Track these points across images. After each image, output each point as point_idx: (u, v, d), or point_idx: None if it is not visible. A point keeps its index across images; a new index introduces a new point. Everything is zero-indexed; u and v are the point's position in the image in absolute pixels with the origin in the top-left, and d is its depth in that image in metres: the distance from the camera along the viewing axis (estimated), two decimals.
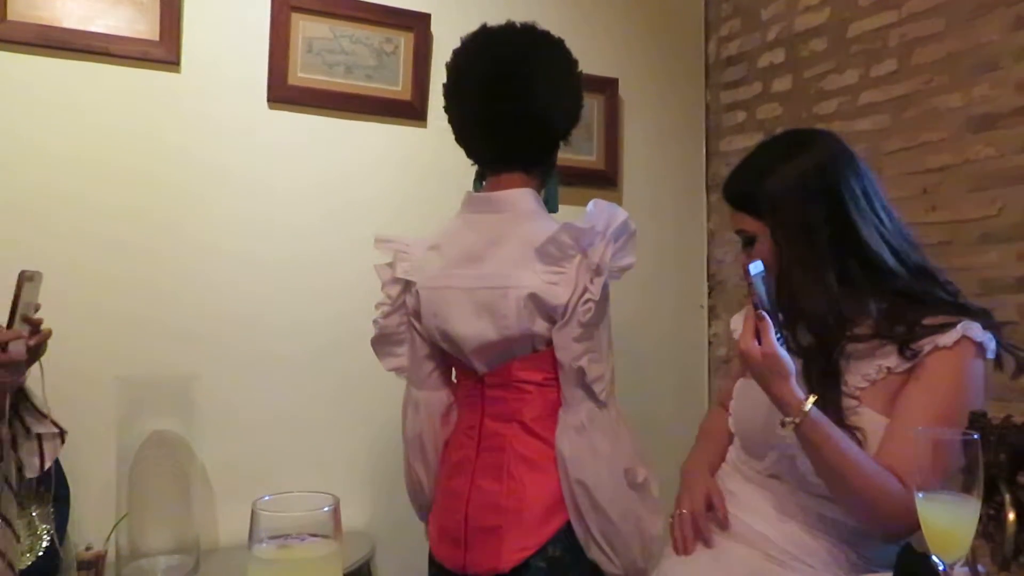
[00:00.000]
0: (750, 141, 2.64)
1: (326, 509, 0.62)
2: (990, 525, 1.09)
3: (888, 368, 1.23)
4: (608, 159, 2.64)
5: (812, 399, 1.16)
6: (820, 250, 1.25)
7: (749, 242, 1.34)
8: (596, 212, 1.32)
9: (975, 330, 1.20)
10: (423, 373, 1.49)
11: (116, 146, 2.00)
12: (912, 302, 1.25)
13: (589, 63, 2.55)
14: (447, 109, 1.46)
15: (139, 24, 2.02)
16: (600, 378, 1.30)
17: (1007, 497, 1.06)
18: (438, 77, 2.11)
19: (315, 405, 2.18)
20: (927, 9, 2.11)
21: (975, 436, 0.87)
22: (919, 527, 1.13)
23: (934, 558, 0.87)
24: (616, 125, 2.65)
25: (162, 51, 2.04)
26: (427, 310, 1.42)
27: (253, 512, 0.62)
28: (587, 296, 1.27)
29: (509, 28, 1.42)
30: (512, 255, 1.33)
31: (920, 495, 0.87)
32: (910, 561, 1.01)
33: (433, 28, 2.34)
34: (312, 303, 2.19)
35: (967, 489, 0.86)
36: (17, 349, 1.18)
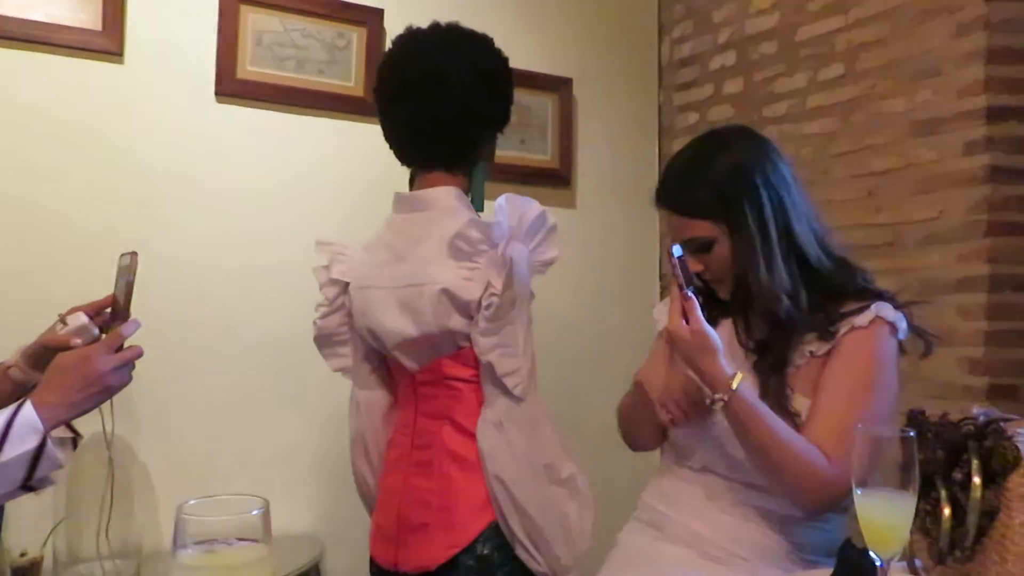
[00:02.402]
0: None
1: (255, 512, 0.60)
2: (927, 521, 1.12)
3: (811, 352, 1.28)
4: (562, 159, 2.64)
5: (739, 376, 1.17)
6: (774, 243, 1.28)
7: (704, 248, 1.31)
8: (508, 206, 1.32)
9: (887, 310, 1.26)
10: (363, 373, 1.50)
11: (54, 140, 1.94)
12: (833, 293, 1.29)
13: (543, 62, 2.59)
14: (377, 110, 1.47)
15: (81, 13, 1.96)
16: (514, 373, 1.29)
17: (943, 493, 1.08)
18: None
19: (261, 405, 2.14)
20: (873, 15, 2.16)
21: (911, 433, 0.88)
22: (842, 500, 1.17)
23: (871, 553, 0.89)
24: (570, 125, 2.66)
25: (105, 41, 1.98)
26: (356, 310, 1.44)
27: (178, 517, 0.60)
28: (491, 291, 1.27)
29: (430, 28, 1.43)
30: (429, 252, 1.34)
31: (858, 491, 0.89)
32: (850, 556, 1.02)
33: (386, 24, 2.32)
34: (257, 302, 2.15)
35: (904, 485, 0.87)
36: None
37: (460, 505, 1.32)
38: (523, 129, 2.55)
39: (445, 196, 1.39)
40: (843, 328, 1.26)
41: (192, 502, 0.63)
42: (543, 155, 2.62)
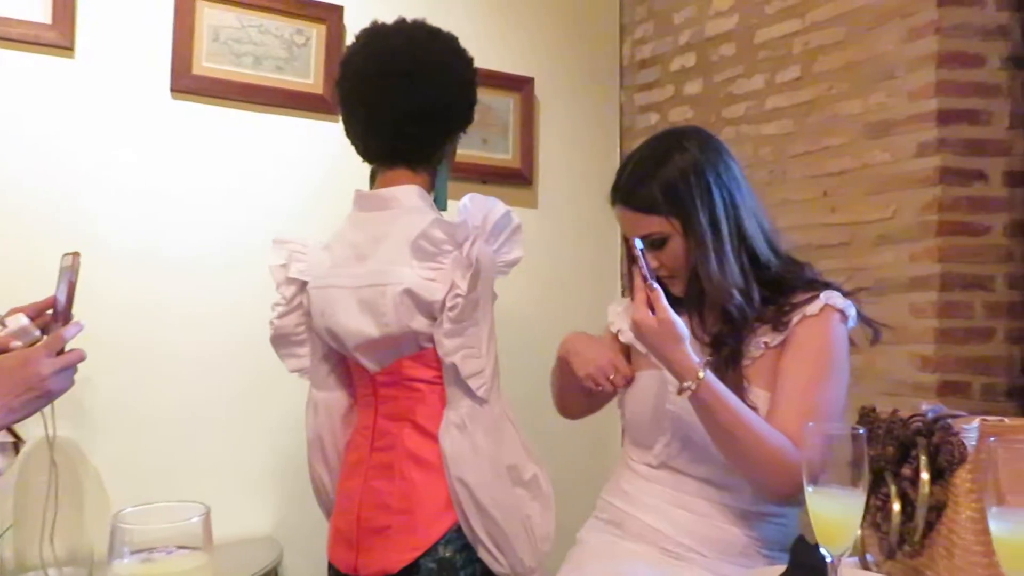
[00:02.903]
0: None
1: (194, 519, 0.59)
2: (878, 516, 1.14)
3: (766, 343, 1.31)
4: (523, 158, 2.64)
5: (707, 361, 1.19)
6: (727, 240, 1.31)
7: (658, 244, 1.33)
8: (472, 206, 1.32)
9: (836, 298, 1.30)
10: (321, 374, 1.48)
11: (2, 135, 1.88)
12: (783, 286, 1.33)
13: (505, 62, 2.59)
14: (338, 104, 1.46)
15: (29, 5, 1.90)
16: (478, 374, 1.29)
17: (893, 489, 1.11)
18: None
19: (218, 406, 2.10)
20: (829, 19, 2.19)
21: (862, 431, 0.90)
22: None
23: (822, 549, 0.90)
24: (532, 124, 2.66)
25: (55, 35, 1.93)
26: (315, 310, 1.42)
27: (113, 525, 0.58)
28: (456, 291, 1.27)
29: (397, 24, 1.42)
30: (392, 252, 1.33)
31: (809, 488, 0.90)
32: (802, 552, 1.04)
33: (346, 21, 2.30)
34: (216, 302, 2.11)
35: (854, 482, 0.88)
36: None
37: (421, 508, 1.31)
38: (485, 128, 2.54)
39: (408, 195, 1.38)
40: (795, 318, 1.29)
41: (128, 510, 0.61)
42: (505, 154, 2.61)
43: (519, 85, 2.62)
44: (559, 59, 2.73)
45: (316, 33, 2.28)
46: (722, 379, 1.25)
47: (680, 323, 1.19)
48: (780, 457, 1.18)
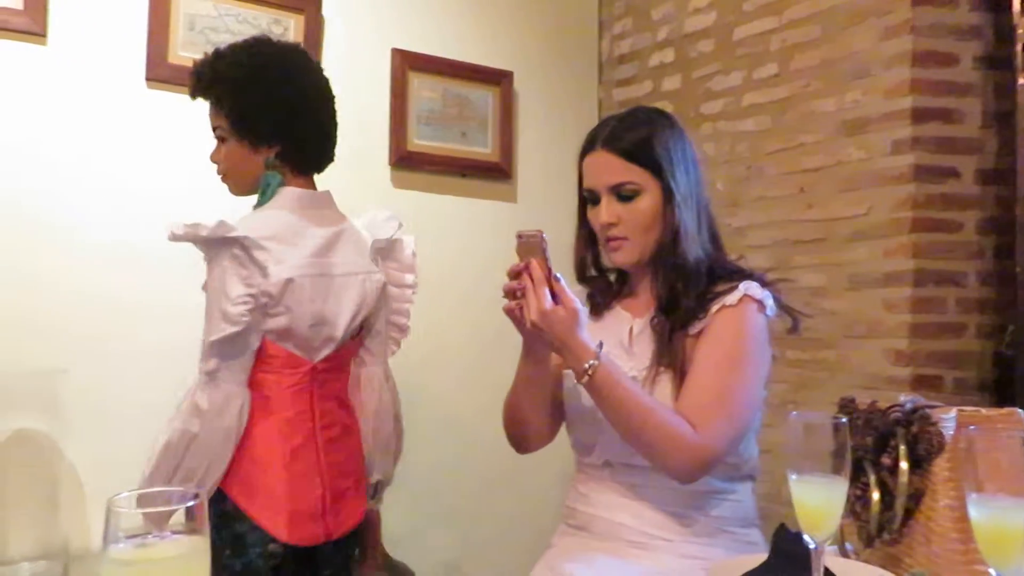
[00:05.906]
0: None
1: (190, 503, 0.58)
2: (857, 505, 1.16)
3: (686, 332, 1.32)
4: (503, 152, 2.64)
5: (602, 345, 1.20)
6: (697, 211, 1.34)
7: (628, 198, 1.32)
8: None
9: (754, 288, 1.31)
10: (246, 367, 1.41)
11: None
12: (710, 274, 1.34)
13: (484, 55, 2.59)
14: (291, 119, 1.50)
15: None
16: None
17: (872, 478, 1.12)
18: (330, 63, 2.06)
19: None
20: (805, 17, 2.22)
21: (843, 420, 0.91)
22: (711, 467, 1.23)
23: (805, 537, 0.91)
24: (511, 118, 2.66)
25: (26, 20, 1.89)
26: (300, 296, 1.42)
27: (108, 510, 0.58)
28: (410, 282, 1.64)
29: (288, 43, 1.62)
30: (358, 247, 1.55)
31: (793, 476, 0.91)
32: (784, 539, 1.05)
33: (324, 11, 2.28)
34: (192, 293, 2.08)
35: (836, 470, 0.90)
36: None
37: (362, 463, 1.59)
38: (464, 122, 2.53)
39: (332, 198, 1.58)
40: (715, 307, 1.30)
41: (123, 495, 0.61)
42: (484, 148, 2.61)
43: (498, 79, 2.62)
44: (538, 53, 2.73)
45: (294, 23, 2.26)
46: (669, 340, 1.29)
47: (584, 309, 1.21)
48: (676, 438, 1.19)
